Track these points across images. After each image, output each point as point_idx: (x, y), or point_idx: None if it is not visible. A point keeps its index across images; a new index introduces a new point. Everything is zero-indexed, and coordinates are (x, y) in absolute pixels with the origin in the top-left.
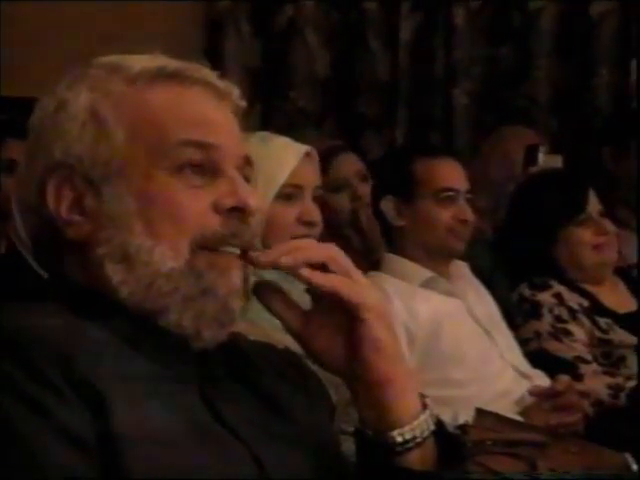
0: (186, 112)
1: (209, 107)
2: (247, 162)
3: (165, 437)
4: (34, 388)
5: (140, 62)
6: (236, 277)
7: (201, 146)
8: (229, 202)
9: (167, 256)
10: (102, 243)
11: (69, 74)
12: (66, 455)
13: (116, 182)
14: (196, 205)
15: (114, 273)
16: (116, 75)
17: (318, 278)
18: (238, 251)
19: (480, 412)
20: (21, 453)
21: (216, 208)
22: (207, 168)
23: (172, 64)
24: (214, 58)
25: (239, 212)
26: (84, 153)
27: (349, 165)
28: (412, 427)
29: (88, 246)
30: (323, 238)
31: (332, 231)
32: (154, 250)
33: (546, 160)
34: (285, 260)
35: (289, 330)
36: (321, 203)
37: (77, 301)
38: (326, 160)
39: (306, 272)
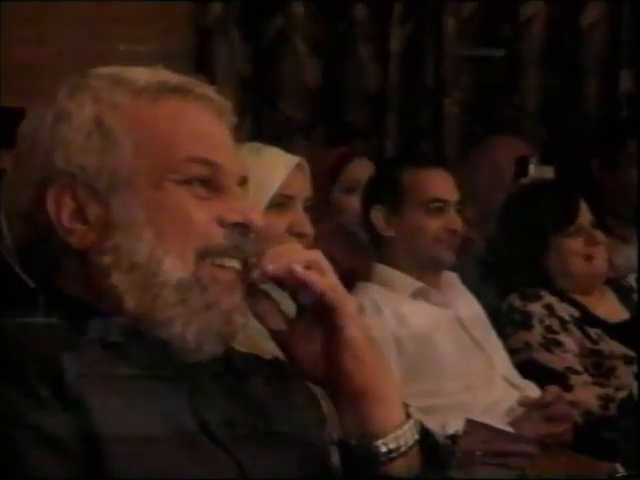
0: (191, 128)
1: (211, 124)
2: (245, 180)
3: (147, 440)
4: (17, 391)
5: (143, 75)
6: (237, 294)
7: (207, 163)
8: (234, 217)
9: (176, 266)
10: (108, 252)
11: (66, 84)
12: (44, 458)
13: (124, 191)
14: (203, 216)
15: (120, 283)
16: (120, 87)
17: (301, 273)
18: (238, 265)
19: (470, 423)
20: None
21: (221, 222)
22: (212, 183)
23: (174, 78)
24: (204, 66)
25: (242, 227)
26: (89, 163)
27: (363, 169)
28: (396, 436)
29: (90, 255)
30: (333, 234)
31: (341, 229)
32: (164, 260)
33: (537, 171)
34: (271, 268)
35: (272, 335)
36: (332, 203)
37: (67, 309)
38: (341, 164)
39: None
